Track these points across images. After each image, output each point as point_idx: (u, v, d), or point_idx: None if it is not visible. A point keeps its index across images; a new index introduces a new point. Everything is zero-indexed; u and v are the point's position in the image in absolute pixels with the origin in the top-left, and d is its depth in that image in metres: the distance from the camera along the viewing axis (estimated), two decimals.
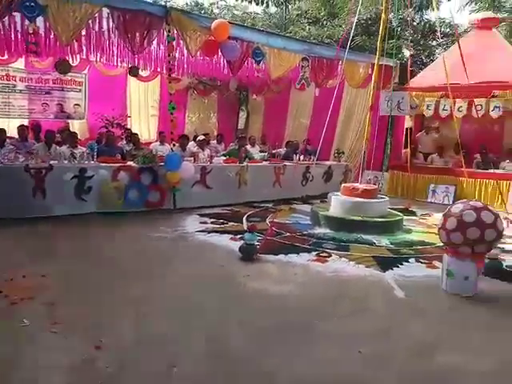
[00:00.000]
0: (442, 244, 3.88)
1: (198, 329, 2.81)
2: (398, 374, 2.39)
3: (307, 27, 14.64)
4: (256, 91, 11.09)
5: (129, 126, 9.76)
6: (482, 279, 3.70)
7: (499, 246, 4.62)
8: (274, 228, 5.40)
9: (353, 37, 12.13)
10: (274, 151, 9.09)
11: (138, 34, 6.24)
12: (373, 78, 6.24)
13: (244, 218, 6.03)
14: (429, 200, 8.48)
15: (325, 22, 14.78)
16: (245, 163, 7.33)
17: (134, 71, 7.86)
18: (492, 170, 8.20)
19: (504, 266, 4.31)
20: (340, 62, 8.23)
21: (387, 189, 8.98)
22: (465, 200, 3.81)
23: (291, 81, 8.93)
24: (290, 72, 8.09)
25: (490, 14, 10.31)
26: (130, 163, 6.15)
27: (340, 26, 13.59)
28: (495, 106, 7.98)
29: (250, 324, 2.90)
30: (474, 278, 3.56)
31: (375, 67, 6.29)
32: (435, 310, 3.35)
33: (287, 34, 12.25)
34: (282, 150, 9.15)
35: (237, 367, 2.40)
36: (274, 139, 10.09)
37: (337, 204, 5.93)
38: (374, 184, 8.12)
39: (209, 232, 5.22)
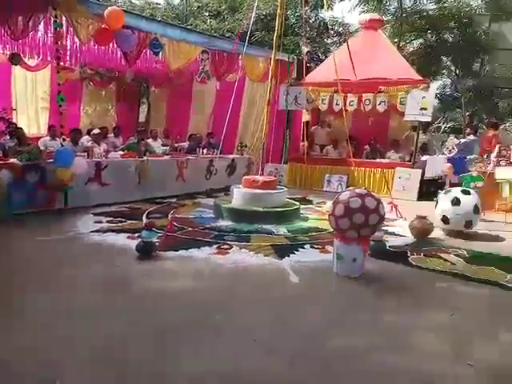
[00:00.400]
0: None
1: (90, 332, 2.66)
2: (293, 359, 2.46)
3: (208, 20, 14.60)
4: (157, 83, 10.79)
5: (14, 120, 8.85)
6: (368, 260, 4.00)
7: (383, 228, 5.09)
8: (175, 223, 5.31)
9: (253, 32, 12.35)
10: (176, 145, 8.95)
11: (19, 19, 5.69)
12: (270, 73, 6.41)
13: (144, 215, 5.84)
14: (325, 189, 9.02)
15: (226, 16, 14.86)
16: (145, 158, 7.10)
17: (15, 59, 7.15)
18: (379, 160, 8.98)
19: (387, 247, 4.75)
20: (240, 56, 8.33)
21: (287, 180, 9.35)
22: (351, 188, 4.10)
23: (193, 73, 8.83)
24: (190, 64, 7.98)
25: (376, 15, 11.16)
26: (12, 160, 5.58)
27: (240, 20, 13.73)
28: (381, 101, 8.70)
29: (146, 324, 2.81)
30: (361, 260, 3.84)
31: (272, 62, 6.47)
32: (327, 292, 3.55)
33: (188, 27, 12.07)
34: (185, 144, 9.04)
35: (129, 369, 2.31)
36: (177, 133, 9.92)
37: (238, 196, 6.02)
38: (275, 176, 8.41)
39: (104, 232, 4.95)
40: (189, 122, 10.73)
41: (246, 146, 9.53)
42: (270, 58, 6.78)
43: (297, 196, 7.36)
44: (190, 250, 4.38)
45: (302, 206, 6.43)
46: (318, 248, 4.65)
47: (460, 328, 2.93)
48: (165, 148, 8.63)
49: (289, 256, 4.30)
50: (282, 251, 4.42)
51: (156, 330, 2.73)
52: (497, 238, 5.37)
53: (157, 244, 4.27)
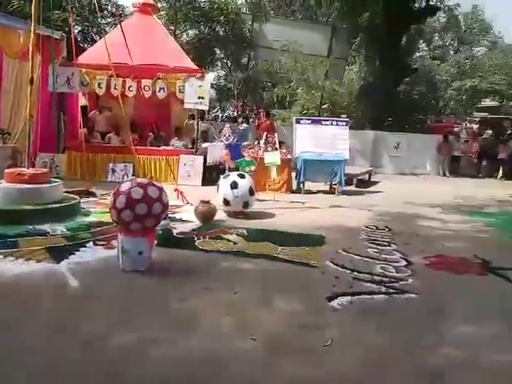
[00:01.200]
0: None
1: None
2: (75, 376, 2.19)
3: None
4: None
5: None
6: (156, 250, 3.89)
7: (170, 216, 5.09)
8: None
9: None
10: None
11: None
12: (30, 47, 5.51)
13: None
14: (109, 179, 8.48)
15: None
16: None
17: None
18: (163, 147, 8.98)
19: (175, 234, 4.77)
20: None
21: (66, 171, 8.42)
22: (132, 178, 3.91)
23: None
24: None
25: (150, 0, 10.95)
26: None
27: None
28: (160, 88, 8.65)
29: None
30: (148, 252, 3.70)
31: (32, 35, 5.57)
32: (110, 291, 3.28)
33: None
34: None
35: None
36: None
37: (0, 193, 5.06)
38: (50, 167, 7.48)
39: None
40: None
41: (8, 133, 8.13)
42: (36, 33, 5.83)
43: (78, 188, 6.66)
44: None
45: (84, 200, 5.89)
46: (102, 244, 4.29)
47: (242, 304, 3.13)
48: None
49: (68, 258, 3.83)
50: (59, 254, 3.90)
51: None
52: (269, 215, 6.05)
53: None
